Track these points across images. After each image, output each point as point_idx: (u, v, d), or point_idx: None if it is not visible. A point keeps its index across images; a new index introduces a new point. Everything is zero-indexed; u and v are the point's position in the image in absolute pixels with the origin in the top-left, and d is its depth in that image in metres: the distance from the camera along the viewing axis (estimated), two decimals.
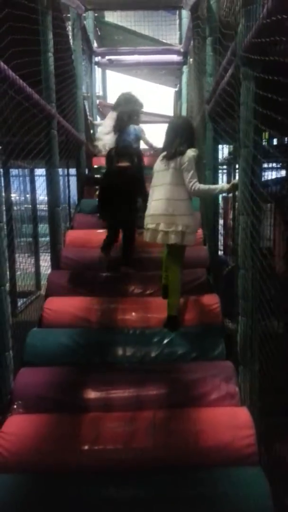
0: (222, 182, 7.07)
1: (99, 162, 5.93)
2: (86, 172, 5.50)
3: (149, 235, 2.93)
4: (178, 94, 8.00)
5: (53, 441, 2.12)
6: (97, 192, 3.78)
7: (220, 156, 4.73)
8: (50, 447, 2.10)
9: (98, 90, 9.15)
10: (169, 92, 9.53)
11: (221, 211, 6.42)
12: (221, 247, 6.00)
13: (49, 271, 3.82)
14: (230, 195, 6.74)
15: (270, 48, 1.94)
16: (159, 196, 2.85)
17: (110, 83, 10.67)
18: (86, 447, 2.10)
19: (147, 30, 8.25)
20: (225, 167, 7.19)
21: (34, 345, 2.80)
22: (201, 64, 4.15)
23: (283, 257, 4.55)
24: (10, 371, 2.41)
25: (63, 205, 5.04)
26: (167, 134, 2.95)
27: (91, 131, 6.54)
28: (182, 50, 6.65)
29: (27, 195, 6.88)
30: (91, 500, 1.90)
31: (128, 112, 4.63)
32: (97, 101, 7.63)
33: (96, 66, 7.16)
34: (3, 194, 2.51)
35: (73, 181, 5.56)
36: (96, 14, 7.37)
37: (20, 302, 5.59)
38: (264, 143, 3.18)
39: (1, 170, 2.82)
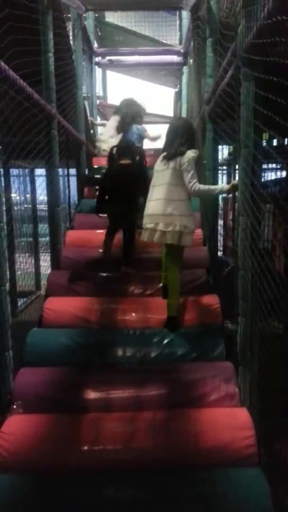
0: (222, 183, 7.07)
1: (99, 162, 5.93)
2: (86, 172, 5.50)
3: (147, 234, 2.93)
4: (178, 95, 8.00)
5: (53, 441, 2.12)
6: (97, 193, 3.79)
7: (219, 157, 4.73)
8: (49, 447, 2.10)
9: (99, 91, 9.15)
10: (169, 93, 9.53)
11: (220, 211, 6.42)
12: (221, 248, 6.00)
13: (49, 271, 3.82)
14: (230, 195, 6.74)
15: (270, 49, 1.95)
16: (158, 196, 2.86)
17: (111, 84, 10.67)
18: (85, 447, 2.10)
19: (148, 31, 8.26)
20: (225, 167, 7.19)
21: (34, 345, 2.80)
22: (201, 65, 4.15)
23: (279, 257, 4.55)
24: (10, 371, 2.41)
25: (63, 205, 5.03)
26: (167, 135, 2.97)
27: (92, 131, 6.55)
28: (182, 50, 6.65)
29: (27, 195, 6.87)
30: (91, 501, 1.90)
31: (132, 113, 4.67)
32: (97, 102, 7.63)
33: (96, 67, 7.16)
34: (3, 194, 2.51)
35: (73, 181, 5.56)
36: (96, 15, 7.38)
37: (20, 302, 5.59)
38: (264, 144, 3.18)
39: (1, 170, 2.82)
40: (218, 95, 3.02)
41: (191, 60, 6.07)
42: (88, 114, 6.50)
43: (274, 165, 5.87)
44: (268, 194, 2.67)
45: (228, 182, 7.07)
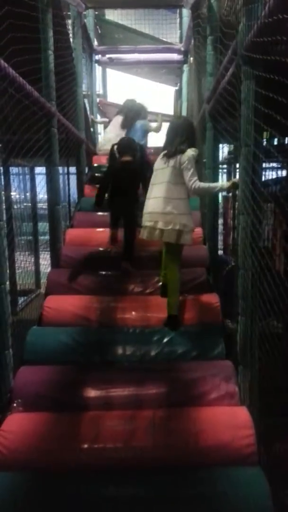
0: (222, 181, 7.06)
1: (99, 160, 5.92)
2: (86, 170, 5.49)
3: (146, 232, 2.93)
4: (179, 93, 8.00)
5: (53, 440, 2.12)
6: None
7: (220, 156, 4.72)
8: (49, 445, 2.10)
9: (99, 89, 9.14)
10: (169, 91, 9.52)
11: (221, 210, 6.41)
12: (221, 247, 6.00)
13: (49, 269, 3.82)
14: (230, 194, 6.74)
15: (271, 48, 1.94)
16: (158, 194, 2.86)
17: (111, 82, 10.66)
18: (85, 446, 2.10)
19: (148, 29, 8.24)
20: (225, 166, 7.18)
21: (34, 344, 2.81)
22: (202, 63, 4.14)
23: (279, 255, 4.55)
24: (10, 369, 2.41)
25: (63, 203, 5.03)
26: (167, 133, 2.97)
27: (92, 129, 6.54)
28: (182, 49, 6.64)
29: (27, 194, 6.87)
30: (91, 499, 1.90)
31: (135, 109, 4.70)
32: (97, 100, 7.62)
33: (96, 64, 7.14)
34: (3, 192, 2.51)
35: (73, 179, 5.55)
36: (96, 12, 7.36)
37: (20, 300, 5.59)
38: (264, 143, 3.18)
39: (1, 168, 2.81)
40: (218, 94, 3.01)
41: (191, 58, 6.06)
42: (88, 112, 6.49)
43: (274, 164, 5.86)
44: (269, 193, 2.67)
45: (228, 181, 7.10)
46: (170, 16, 8.40)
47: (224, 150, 6.13)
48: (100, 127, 7.72)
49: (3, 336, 2.30)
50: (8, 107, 2.38)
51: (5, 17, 2.35)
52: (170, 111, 8.82)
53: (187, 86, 6.61)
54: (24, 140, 2.97)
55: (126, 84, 9.66)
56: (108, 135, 5.05)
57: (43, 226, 6.27)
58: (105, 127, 9.14)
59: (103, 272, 3.58)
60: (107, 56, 7.00)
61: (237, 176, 2.65)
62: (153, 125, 5.06)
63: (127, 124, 4.79)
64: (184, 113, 6.68)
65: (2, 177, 2.68)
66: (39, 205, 6.70)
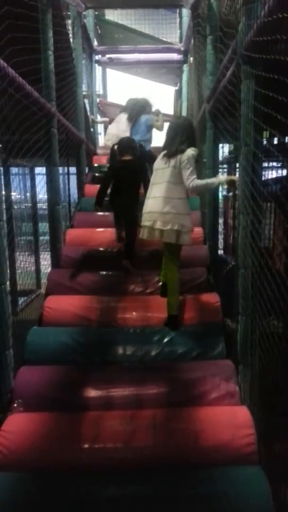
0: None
1: (99, 160, 5.93)
2: (87, 170, 5.50)
3: (146, 232, 2.93)
4: (179, 93, 8.00)
5: (53, 440, 2.12)
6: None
7: (220, 155, 4.72)
8: (50, 445, 2.10)
9: (99, 89, 9.15)
10: (169, 91, 9.52)
11: (221, 210, 6.41)
12: (221, 246, 5.99)
13: (49, 269, 3.82)
14: (231, 194, 6.74)
15: (271, 47, 1.94)
16: (158, 194, 2.86)
17: (111, 82, 10.67)
18: (86, 446, 2.10)
19: (148, 29, 8.25)
20: (225, 166, 7.18)
21: (34, 344, 2.81)
22: (202, 63, 4.14)
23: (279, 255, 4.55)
24: (10, 369, 2.41)
25: (63, 203, 5.03)
26: (167, 133, 2.97)
27: (92, 130, 6.53)
28: (182, 48, 6.64)
29: (27, 194, 6.87)
30: (91, 499, 1.90)
31: (141, 105, 4.71)
32: (98, 100, 7.62)
33: (96, 65, 7.15)
34: (3, 192, 2.51)
35: (73, 179, 5.56)
36: (96, 12, 7.36)
37: (20, 300, 5.59)
38: (264, 142, 3.18)
39: (1, 168, 2.81)
40: (218, 93, 3.01)
41: (191, 58, 6.06)
42: (89, 112, 6.49)
43: (274, 164, 5.86)
44: (269, 193, 2.67)
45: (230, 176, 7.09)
46: (170, 16, 8.40)
47: (224, 149, 6.14)
48: (100, 127, 7.72)
49: (3, 336, 2.30)
50: (8, 107, 2.38)
51: (5, 17, 2.36)
52: (170, 111, 8.82)
53: (187, 85, 6.61)
54: (24, 140, 2.97)
55: (126, 84, 9.67)
56: (112, 130, 5.02)
57: (43, 226, 6.28)
58: (105, 127, 9.13)
59: (104, 272, 3.58)
60: (107, 56, 7.01)
61: (237, 175, 2.65)
62: (158, 122, 5.03)
63: (132, 119, 4.78)
64: (184, 113, 6.68)
65: (2, 177, 2.68)
66: (39, 205, 6.71)
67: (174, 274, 2.94)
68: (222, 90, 2.88)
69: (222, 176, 2.91)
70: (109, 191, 3.68)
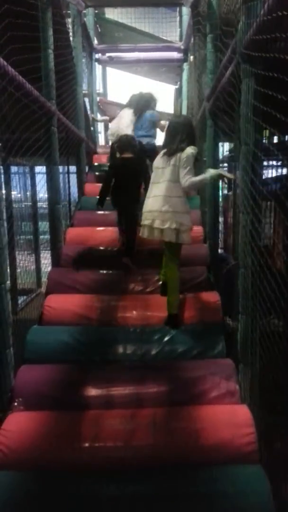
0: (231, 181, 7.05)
1: (99, 159, 5.93)
2: (87, 169, 5.49)
3: (145, 231, 2.93)
4: (179, 92, 7.98)
5: (54, 439, 2.12)
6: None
7: (220, 154, 4.71)
8: (50, 444, 2.10)
9: (99, 87, 9.14)
10: (169, 90, 9.52)
11: (221, 209, 6.40)
12: (221, 245, 5.99)
13: (49, 268, 3.82)
14: (231, 192, 6.74)
15: (270, 45, 1.93)
16: (158, 193, 2.86)
17: (111, 80, 10.67)
18: (86, 445, 2.10)
19: (148, 27, 8.24)
20: (225, 164, 7.17)
21: (35, 343, 2.81)
22: (202, 61, 4.13)
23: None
24: (10, 368, 2.41)
25: (63, 202, 5.03)
26: (167, 132, 2.96)
27: (92, 128, 6.53)
28: (182, 47, 6.63)
29: (27, 193, 6.87)
30: (91, 498, 1.90)
31: (146, 99, 4.69)
32: (98, 98, 7.61)
33: (96, 63, 7.14)
34: (4, 191, 2.51)
35: (73, 178, 5.56)
36: (96, 11, 7.34)
37: (20, 300, 5.59)
38: (264, 141, 3.17)
39: (1, 167, 2.81)
40: (218, 92, 3.01)
41: (191, 57, 6.05)
42: (89, 111, 6.48)
43: (274, 162, 5.86)
44: (269, 192, 2.67)
45: (229, 180, 7.08)
46: (170, 15, 8.39)
47: (225, 148, 6.13)
48: (100, 126, 7.71)
49: (4, 335, 2.30)
50: (8, 106, 2.38)
51: (5, 15, 2.35)
52: (171, 110, 8.82)
53: (187, 84, 6.60)
54: (24, 138, 2.97)
55: (126, 82, 9.67)
56: (113, 125, 4.97)
57: (44, 225, 6.28)
58: (105, 126, 9.10)
59: (104, 271, 3.58)
60: (107, 54, 7.00)
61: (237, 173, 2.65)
62: (162, 122, 5.00)
63: (137, 113, 4.75)
64: (184, 111, 6.67)
65: (2, 176, 2.68)
66: (40, 204, 6.70)
67: (175, 272, 2.94)
68: (222, 89, 2.87)
69: (212, 170, 2.91)
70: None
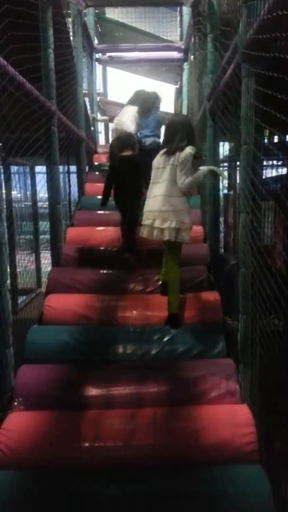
0: (223, 180, 7.04)
1: (100, 159, 5.93)
2: (87, 169, 5.49)
3: (145, 231, 2.93)
4: (179, 91, 7.98)
5: (54, 438, 2.12)
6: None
7: (221, 153, 4.70)
8: (50, 444, 2.10)
9: (99, 87, 9.13)
10: (170, 89, 9.51)
11: (221, 208, 6.39)
12: (221, 245, 5.98)
13: (49, 268, 3.82)
14: (231, 192, 6.73)
15: (271, 45, 1.93)
16: (158, 193, 2.86)
17: (111, 80, 10.67)
18: (86, 444, 2.10)
19: (148, 27, 8.24)
20: (226, 164, 7.17)
21: (35, 342, 2.81)
22: (202, 61, 4.13)
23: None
24: (10, 368, 2.41)
25: (63, 202, 5.03)
26: (166, 131, 2.96)
27: (92, 128, 6.53)
28: (183, 47, 6.63)
29: (28, 192, 6.87)
30: (91, 497, 1.90)
31: (151, 101, 4.67)
32: (98, 98, 7.61)
33: (96, 63, 7.13)
34: (4, 191, 2.51)
35: (73, 178, 5.56)
36: (96, 11, 7.34)
37: (20, 299, 5.59)
38: (265, 141, 3.17)
39: (1, 167, 2.81)
40: (219, 91, 3.01)
41: (191, 57, 6.05)
42: (89, 110, 6.48)
43: (275, 162, 5.85)
44: (268, 191, 2.66)
45: (230, 179, 7.08)
46: (171, 14, 8.40)
47: (226, 147, 6.12)
48: (100, 126, 7.71)
49: (3, 334, 2.30)
50: (8, 105, 2.38)
51: (5, 15, 2.35)
52: (171, 110, 8.82)
53: (188, 84, 6.59)
54: (24, 138, 2.97)
55: (127, 82, 9.66)
56: (118, 120, 4.94)
57: (44, 225, 6.28)
58: (105, 126, 9.09)
59: (104, 271, 3.58)
60: (108, 54, 7.00)
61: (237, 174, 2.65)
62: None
63: (143, 113, 4.73)
64: (184, 111, 6.67)
65: (2, 176, 2.68)
66: (40, 203, 6.70)
67: (175, 272, 2.94)
68: (222, 89, 2.87)
69: (204, 167, 2.94)
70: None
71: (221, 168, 5.01)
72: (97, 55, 6.93)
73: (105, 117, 6.87)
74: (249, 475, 1.95)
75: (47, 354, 2.72)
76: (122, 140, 3.71)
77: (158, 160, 2.94)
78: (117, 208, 3.80)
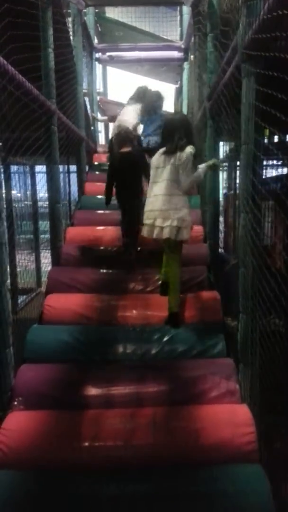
0: (223, 179, 7.07)
1: (99, 159, 5.92)
2: (87, 169, 5.49)
3: (146, 230, 2.93)
4: (179, 91, 7.98)
5: (53, 438, 2.12)
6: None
7: (221, 153, 4.70)
8: (50, 443, 2.10)
9: (99, 87, 9.13)
10: (170, 89, 9.51)
11: (221, 208, 6.39)
12: (221, 244, 5.97)
13: (49, 268, 3.82)
14: (232, 192, 6.73)
15: (270, 44, 1.93)
16: (158, 192, 2.86)
17: (111, 80, 10.67)
18: (86, 444, 2.10)
19: (148, 26, 8.24)
20: (225, 164, 7.17)
21: (35, 342, 2.81)
22: (202, 61, 4.13)
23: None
24: (10, 368, 2.41)
25: (63, 201, 5.03)
26: (165, 129, 2.96)
27: (92, 128, 6.52)
28: (183, 46, 6.63)
29: (27, 192, 6.87)
30: (91, 497, 1.90)
31: (154, 102, 4.67)
32: (98, 98, 7.61)
33: (96, 63, 7.13)
34: (4, 190, 2.51)
35: (73, 177, 5.56)
36: (96, 10, 7.34)
37: (20, 299, 5.59)
38: (265, 140, 3.17)
39: (1, 166, 2.81)
40: (219, 91, 3.01)
41: (191, 56, 6.04)
42: (89, 110, 6.48)
43: (275, 162, 5.85)
44: (268, 191, 2.66)
45: (230, 179, 7.09)
46: (171, 14, 8.39)
47: (226, 147, 6.12)
48: (100, 125, 7.70)
49: (3, 334, 2.30)
50: (8, 105, 2.37)
51: (5, 15, 2.35)
52: (171, 109, 8.81)
53: (188, 83, 6.59)
54: (24, 138, 2.96)
55: (127, 82, 9.65)
56: (120, 117, 4.92)
57: (44, 224, 6.28)
58: (105, 125, 9.08)
59: (104, 271, 3.58)
60: (107, 54, 7.00)
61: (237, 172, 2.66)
62: None
63: (146, 112, 4.73)
64: (184, 110, 6.67)
65: (2, 175, 2.68)
66: (40, 203, 6.70)
67: (175, 271, 2.94)
68: (222, 88, 2.87)
69: (203, 165, 3.00)
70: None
71: (220, 168, 5.02)
72: (97, 55, 6.93)
73: (105, 117, 6.86)
74: (249, 475, 1.96)
75: (47, 354, 2.72)
76: (122, 137, 3.71)
77: (157, 159, 2.93)
78: (120, 207, 3.80)
